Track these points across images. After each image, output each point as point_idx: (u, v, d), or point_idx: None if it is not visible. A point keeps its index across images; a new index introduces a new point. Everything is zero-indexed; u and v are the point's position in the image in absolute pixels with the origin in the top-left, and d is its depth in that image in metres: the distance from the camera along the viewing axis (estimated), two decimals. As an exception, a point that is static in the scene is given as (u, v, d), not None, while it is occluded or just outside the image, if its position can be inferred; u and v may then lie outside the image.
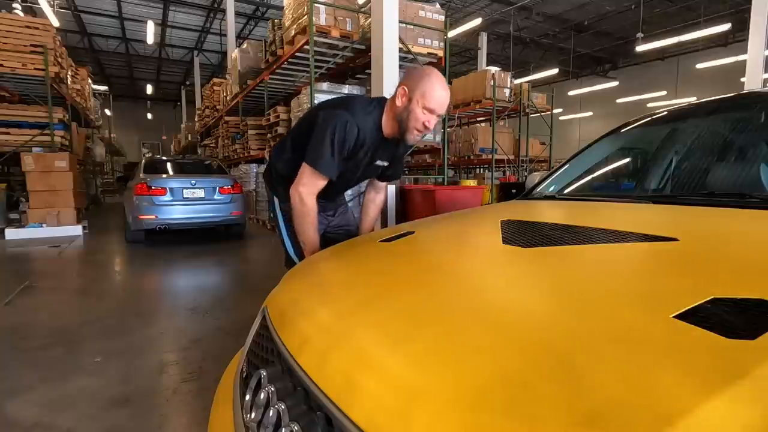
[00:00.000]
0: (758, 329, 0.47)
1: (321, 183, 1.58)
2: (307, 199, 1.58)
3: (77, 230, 7.01)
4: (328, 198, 1.79)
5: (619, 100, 19.44)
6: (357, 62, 6.66)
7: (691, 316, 0.52)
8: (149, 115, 26.19)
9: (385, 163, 1.75)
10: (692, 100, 1.88)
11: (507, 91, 10.12)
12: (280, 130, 7.20)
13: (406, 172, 14.75)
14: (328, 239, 1.81)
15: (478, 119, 12.80)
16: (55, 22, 9.17)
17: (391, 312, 0.71)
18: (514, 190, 6.33)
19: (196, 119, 15.79)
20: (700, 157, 1.51)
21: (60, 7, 12.59)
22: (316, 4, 5.42)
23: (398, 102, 1.53)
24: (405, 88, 1.51)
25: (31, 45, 6.87)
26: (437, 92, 1.49)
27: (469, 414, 0.45)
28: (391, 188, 5.32)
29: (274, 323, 0.85)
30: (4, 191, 7.56)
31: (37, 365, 2.24)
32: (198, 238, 6.54)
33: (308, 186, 1.58)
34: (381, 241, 1.20)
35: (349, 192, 2.11)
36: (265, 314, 0.94)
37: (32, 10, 12.12)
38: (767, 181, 1.25)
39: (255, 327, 0.97)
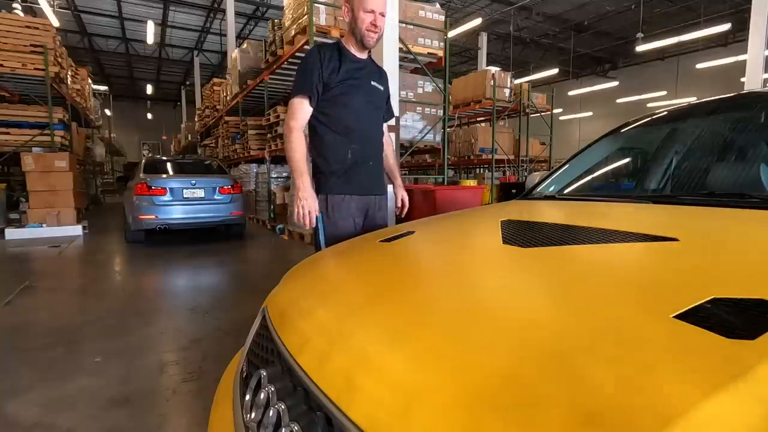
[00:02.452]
0: (758, 329, 0.47)
1: (305, 107, 1.74)
2: (293, 125, 1.72)
3: (77, 230, 7.01)
4: (368, 144, 1.86)
5: (619, 100, 19.44)
6: (357, 62, 6.64)
7: (691, 316, 0.52)
8: (149, 115, 26.19)
9: (381, 87, 1.90)
10: (692, 100, 1.88)
11: (507, 91, 10.12)
12: (280, 130, 7.20)
13: (406, 172, 14.77)
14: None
15: (478, 119, 12.80)
16: (55, 22, 9.18)
17: (391, 312, 0.71)
18: (514, 190, 6.33)
19: (196, 119, 15.80)
20: (700, 157, 1.51)
21: (60, 7, 12.59)
22: (316, 4, 5.42)
23: (346, 18, 1.76)
24: (346, 4, 1.73)
25: (31, 45, 6.87)
26: None
27: (469, 414, 0.44)
28: (391, 188, 5.31)
29: (274, 323, 0.85)
30: (4, 191, 7.56)
31: (37, 365, 2.24)
32: (198, 238, 6.54)
33: (292, 113, 1.74)
34: (381, 241, 1.20)
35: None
36: (265, 314, 0.94)
37: (32, 10, 12.12)
38: (767, 181, 1.25)
39: (255, 327, 0.97)
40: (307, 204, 1.69)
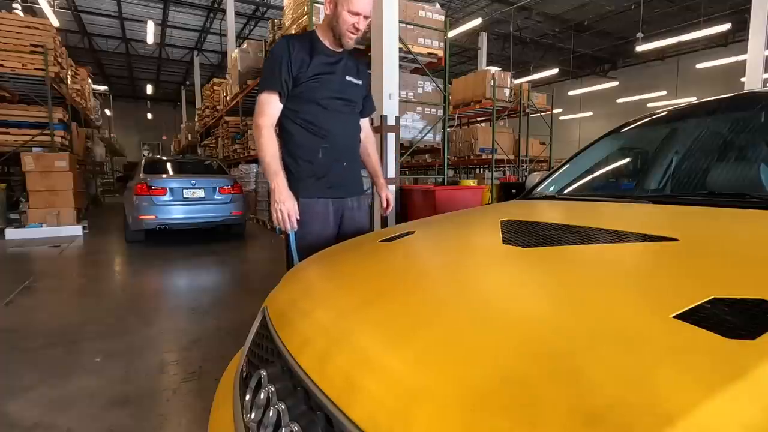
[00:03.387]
0: (758, 329, 0.47)
1: (273, 103, 1.63)
2: (261, 122, 1.62)
3: (77, 230, 7.01)
4: (340, 144, 1.74)
5: (619, 100, 19.44)
6: (357, 62, 6.64)
7: (691, 316, 0.52)
8: (149, 115, 26.18)
9: (358, 82, 1.78)
10: (692, 100, 1.88)
11: (507, 91, 10.11)
12: (280, 130, 7.19)
13: (406, 172, 14.76)
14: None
15: (478, 119, 12.79)
16: (55, 22, 9.17)
17: (391, 312, 0.71)
18: (514, 190, 6.34)
19: (196, 119, 15.80)
20: (700, 157, 1.51)
21: (60, 7, 12.59)
22: (316, 4, 5.42)
23: (327, 11, 1.63)
24: None
25: (31, 45, 6.87)
26: None
27: (469, 414, 0.45)
28: (391, 188, 5.32)
29: (274, 323, 0.85)
30: (4, 191, 7.56)
31: (37, 365, 2.24)
32: (198, 238, 6.54)
33: (260, 110, 1.63)
34: (381, 241, 1.21)
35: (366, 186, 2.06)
36: (265, 314, 0.94)
37: (32, 10, 12.12)
38: (767, 181, 1.25)
39: (255, 327, 0.97)
40: (285, 206, 1.58)
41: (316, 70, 1.64)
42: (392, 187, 5.32)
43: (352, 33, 1.63)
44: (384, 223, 5.31)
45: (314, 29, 1.75)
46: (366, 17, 1.63)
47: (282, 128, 1.72)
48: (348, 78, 1.74)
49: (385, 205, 1.98)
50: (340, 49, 1.71)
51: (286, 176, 1.68)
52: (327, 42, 1.69)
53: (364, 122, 1.92)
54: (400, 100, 5.54)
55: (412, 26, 6.13)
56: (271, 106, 1.63)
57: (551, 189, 1.72)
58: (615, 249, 0.83)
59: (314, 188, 1.70)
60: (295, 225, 1.62)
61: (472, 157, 10.81)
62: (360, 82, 1.80)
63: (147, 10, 14.05)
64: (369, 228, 1.90)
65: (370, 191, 2.01)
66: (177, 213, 5.79)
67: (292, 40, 1.65)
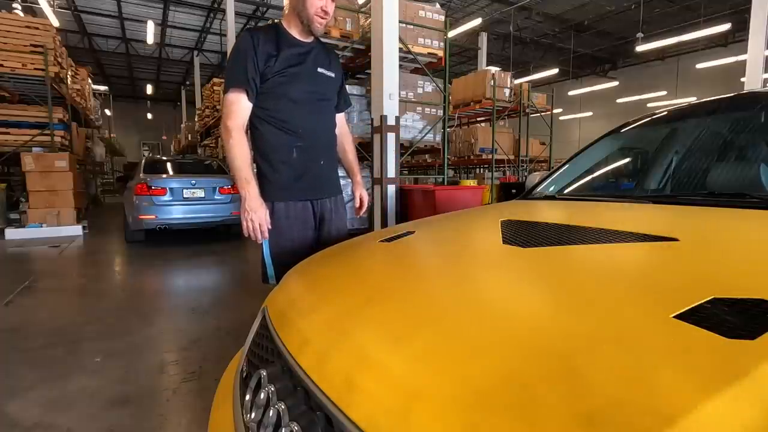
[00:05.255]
0: (758, 329, 0.47)
1: (242, 102, 1.50)
2: (231, 124, 1.49)
3: (77, 230, 7.01)
4: (315, 142, 1.64)
5: (619, 100, 19.43)
6: (357, 62, 6.66)
7: (691, 316, 0.52)
8: (149, 115, 26.18)
9: (332, 74, 1.67)
10: (692, 100, 1.88)
11: (507, 91, 10.11)
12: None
13: (406, 172, 14.76)
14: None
15: (478, 119, 12.79)
16: (55, 22, 9.17)
17: (391, 312, 0.71)
18: (514, 190, 6.34)
19: (196, 119, 15.79)
20: (700, 157, 1.51)
21: (60, 7, 12.58)
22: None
23: None
24: None
25: (31, 45, 6.87)
26: None
27: (469, 414, 0.44)
28: (391, 188, 5.32)
29: (274, 323, 0.85)
30: (4, 191, 7.56)
31: (37, 365, 2.24)
32: (198, 238, 6.54)
33: (228, 112, 1.50)
34: (381, 241, 1.20)
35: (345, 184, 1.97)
36: (265, 314, 0.94)
37: (32, 10, 12.12)
38: (767, 181, 1.25)
39: (255, 327, 0.97)
40: (256, 216, 1.48)
41: (285, 64, 1.52)
42: (392, 187, 5.32)
43: (321, 17, 1.53)
44: (384, 223, 5.31)
45: (279, 21, 1.63)
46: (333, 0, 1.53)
47: (252, 128, 1.59)
48: (320, 70, 1.62)
49: (358, 205, 1.84)
50: (310, 39, 1.60)
51: (260, 180, 1.59)
52: (294, 32, 1.58)
53: (340, 117, 1.81)
54: (400, 100, 5.54)
55: (412, 26, 6.13)
56: (239, 106, 1.50)
57: (551, 189, 1.72)
58: (615, 249, 0.83)
59: (291, 191, 1.60)
60: (266, 234, 1.53)
61: (472, 157, 10.81)
62: (333, 74, 1.67)
63: (147, 10, 14.04)
64: (347, 229, 1.81)
65: (349, 190, 1.94)
66: (177, 213, 5.79)
67: (255, 33, 1.52)
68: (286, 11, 1.61)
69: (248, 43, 1.49)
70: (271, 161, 1.58)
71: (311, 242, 1.65)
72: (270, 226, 1.53)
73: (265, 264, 1.59)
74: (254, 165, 1.61)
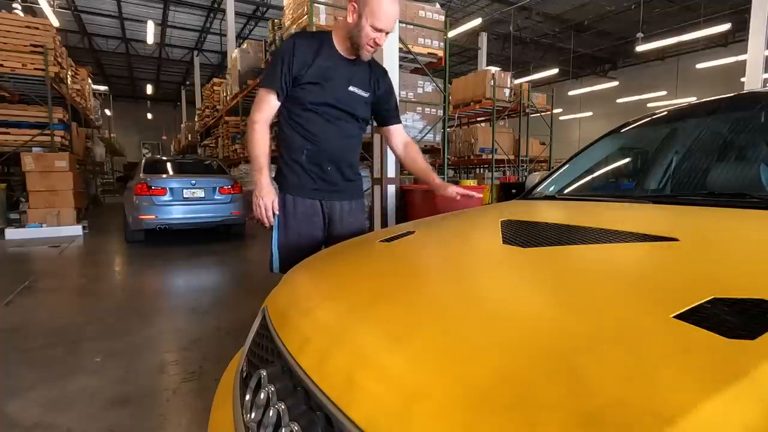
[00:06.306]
0: (758, 329, 0.47)
1: (270, 100, 1.61)
2: (256, 118, 1.62)
3: (77, 230, 7.01)
4: (331, 156, 1.70)
5: (619, 100, 19.44)
6: (357, 62, 6.64)
7: (691, 316, 0.52)
8: (149, 115, 26.19)
9: (364, 94, 1.71)
10: (692, 100, 1.88)
11: (507, 91, 10.11)
12: (280, 130, 7.20)
13: (406, 172, 14.73)
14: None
15: (478, 119, 12.79)
16: (55, 22, 9.17)
17: (391, 312, 0.71)
18: (514, 190, 6.33)
19: (196, 119, 15.80)
20: (700, 157, 1.51)
21: (60, 7, 12.59)
22: (316, 4, 5.42)
23: (349, 19, 1.55)
24: (354, 4, 1.53)
25: (31, 45, 6.86)
26: (385, 10, 1.51)
27: (469, 414, 0.44)
28: (391, 188, 5.32)
29: (274, 323, 0.85)
30: (4, 191, 7.56)
31: (37, 365, 2.24)
32: (198, 238, 6.54)
33: (256, 107, 1.62)
34: (381, 241, 1.20)
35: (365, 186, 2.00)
36: (265, 314, 0.94)
37: (32, 10, 12.12)
38: (767, 181, 1.25)
39: (255, 327, 0.97)
40: (264, 201, 1.60)
41: (315, 75, 1.59)
42: (392, 187, 5.32)
43: (371, 47, 1.59)
44: (384, 223, 5.31)
45: (330, 31, 1.67)
46: (387, 33, 1.58)
47: (278, 125, 1.73)
48: (351, 88, 1.67)
49: (459, 197, 1.77)
50: (353, 57, 1.65)
51: (279, 173, 1.72)
52: (340, 47, 1.63)
53: (398, 130, 1.87)
54: (400, 100, 5.53)
55: (412, 26, 6.13)
56: (268, 104, 1.62)
57: (551, 189, 1.72)
58: (615, 249, 0.83)
59: (301, 188, 1.69)
60: (272, 219, 1.63)
61: (472, 157, 10.81)
62: (366, 94, 1.72)
63: (147, 10, 14.05)
64: (366, 231, 1.82)
65: (369, 192, 1.94)
66: (177, 213, 5.79)
67: (298, 38, 1.62)
68: (338, 24, 1.67)
69: (288, 47, 1.59)
70: (287, 158, 1.70)
71: (318, 240, 1.74)
72: (278, 213, 1.65)
73: (272, 253, 1.69)
74: (279, 158, 1.75)
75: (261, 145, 1.62)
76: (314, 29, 5.44)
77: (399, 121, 1.89)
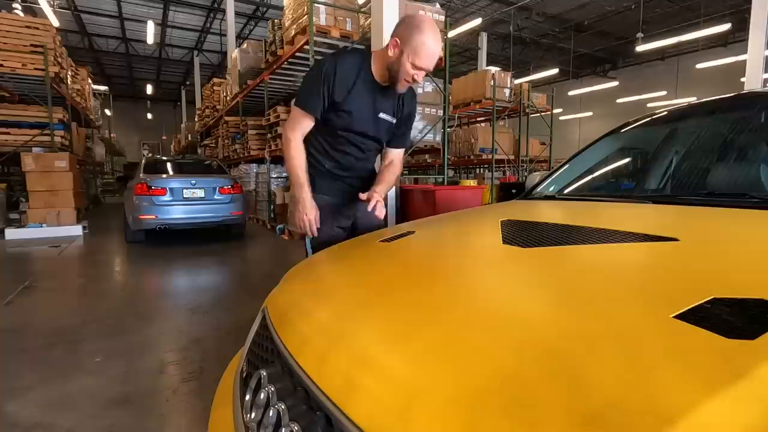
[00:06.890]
0: (758, 329, 0.47)
1: (306, 122, 1.65)
2: (291, 136, 1.64)
3: (77, 230, 7.01)
4: (351, 170, 1.79)
5: (619, 100, 19.43)
6: (357, 62, 6.64)
7: (691, 316, 0.52)
8: (149, 115, 26.18)
9: (392, 119, 1.74)
10: (692, 100, 1.88)
11: (507, 91, 10.11)
12: (280, 130, 7.20)
13: (406, 172, 14.75)
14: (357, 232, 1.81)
15: (478, 119, 12.79)
16: (55, 22, 9.17)
17: (391, 312, 0.71)
18: (514, 190, 6.32)
19: (196, 119, 15.79)
20: (700, 157, 1.51)
21: (60, 7, 12.59)
22: (316, 4, 5.42)
23: (390, 53, 1.56)
24: (397, 39, 1.53)
25: (31, 45, 6.86)
26: (428, 50, 1.51)
27: (469, 414, 0.45)
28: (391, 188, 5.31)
29: (274, 323, 0.85)
30: (4, 191, 7.56)
31: (37, 365, 2.24)
32: (198, 238, 6.54)
33: (293, 125, 1.65)
34: (381, 241, 1.20)
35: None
36: (265, 314, 0.94)
37: (32, 10, 12.12)
38: (767, 181, 1.25)
39: (255, 327, 0.97)
40: (308, 218, 1.64)
41: (352, 103, 1.62)
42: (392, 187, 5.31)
43: (408, 82, 1.60)
44: (384, 223, 5.31)
45: (370, 53, 1.67)
46: (428, 71, 1.59)
47: (309, 134, 1.75)
48: (381, 115, 1.71)
49: (366, 198, 1.69)
50: (386, 84, 1.65)
51: (309, 170, 1.75)
52: (377, 74, 1.64)
53: (393, 152, 1.84)
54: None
55: (412, 26, 6.12)
56: (303, 124, 1.66)
57: (551, 189, 1.72)
58: (615, 249, 0.83)
59: (322, 188, 1.76)
60: (316, 232, 1.68)
61: (472, 157, 10.81)
62: (393, 120, 1.75)
63: (147, 10, 14.04)
64: (384, 225, 1.82)
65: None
66: (177, 213, 5.79)
67: (341, 61, 1.60)
68: (378, 52, 1.64)
69: (330, 71, 1.58)
70: (311, 159, 1.75)
71: (345, 235, 1.82)
72: (318, 225, 1.69)
73: (308, 253, 1.76)
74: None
75: (298, 158, 1.65)
76: (314, 29, 5.44)
77: (403, 146, 1.87)
